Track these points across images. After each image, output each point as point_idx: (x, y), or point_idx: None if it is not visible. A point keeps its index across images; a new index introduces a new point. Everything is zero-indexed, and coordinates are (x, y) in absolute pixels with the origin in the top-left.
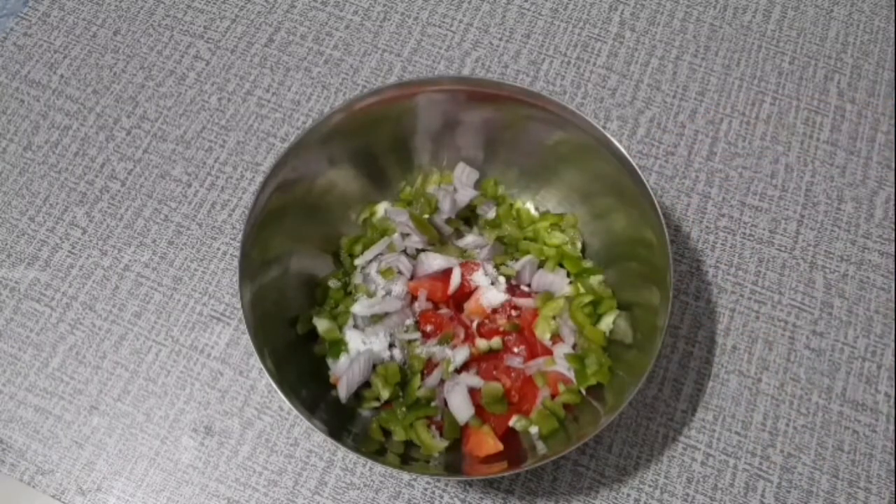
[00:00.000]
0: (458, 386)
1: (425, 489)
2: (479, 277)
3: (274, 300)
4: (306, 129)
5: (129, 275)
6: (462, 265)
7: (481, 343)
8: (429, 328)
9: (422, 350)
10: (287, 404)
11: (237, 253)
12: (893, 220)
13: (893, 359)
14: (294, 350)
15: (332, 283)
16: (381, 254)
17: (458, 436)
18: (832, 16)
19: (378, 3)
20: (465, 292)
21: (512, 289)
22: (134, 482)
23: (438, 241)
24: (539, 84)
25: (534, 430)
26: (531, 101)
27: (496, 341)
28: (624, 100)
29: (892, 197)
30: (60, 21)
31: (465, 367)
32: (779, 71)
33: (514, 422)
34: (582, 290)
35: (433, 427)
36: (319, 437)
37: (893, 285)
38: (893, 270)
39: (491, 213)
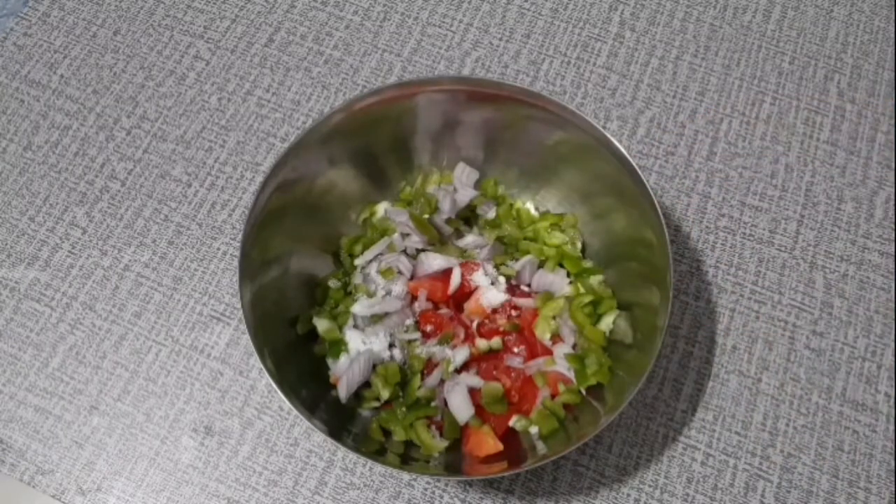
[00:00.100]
0: (458, 386)
1: (425, 489)
2: (479, 277)
3: (274, 300)
4: (306, 129)
5: (129, 275)
6: (462, 265)
7: (481, 343)
8: (429, 328)
9: (422, 350)
10: (287, 404)
11: (237, 253)
12: (893, 220)
13: (893, 359)
14: (294, 350)
15: (332, 283)
16: (381, 254)
17: (458, 436)
18: (832, 16)
19: (378, 3)
20: (465, 292)
21: (512, 289)
22: (134, 482)
23: (438, 241)
24: (539, 84)
25: (534, 430)
26: (531, 101)
27: (496, 341)
28: (624, 100)
29: (892, 197)
30: (60, 21)
31: (465, 367)
32: (779, 71)
33: (514, 422)
34: (582, 290)
35: (433, 427)
36: (319, 437)
37: (893, 285)
38: (893, 270)
39: (491, 213)
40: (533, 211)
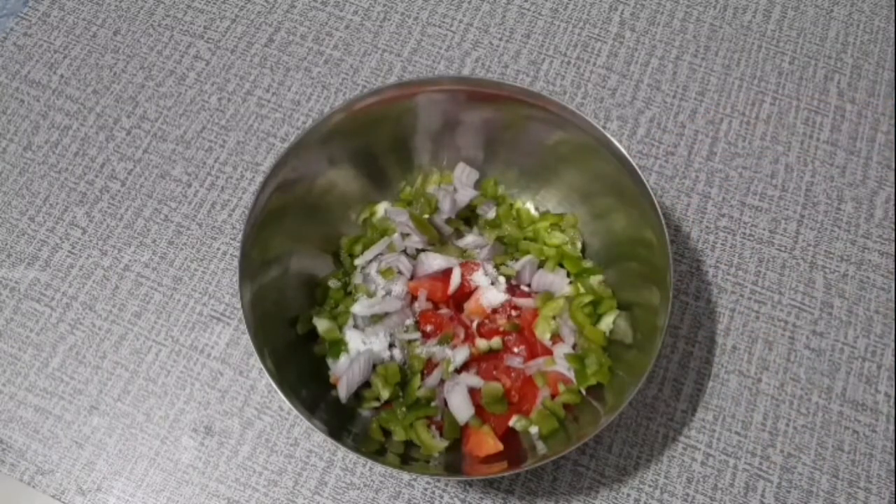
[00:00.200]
0: (458, 386)
1: (425, 489)
2: (479, 277)
3: (274, 300)
4: (306, 129)
5: (129, 275)
6: (462, 265)
7: (481, 343)
8: (429, 328)
9: (422, 350)
10: (287, 404)
11: (237, 253)
12: (893, 220)
13: (893, 359)
14: (294, 350)
15: (332, 283)
16: (381, 254)
17: (458, 436)
18: (832, 16)
19: (378, 3)
20: (465, 292)
21: (512, 289)
22: (134, 482)
23: (438, 241)
24: (539, 84)
25: (534, 430)
26: (531, 101)
27: (496, 341)
28: (624, 100)
29: (892, 197)
30: (60, 21)
31: (465, 367)
32: (779, 71)
33: (514, 422)
34: (582, 290)
35: (433, 427)
36: (319, 437)
37: (893, 285)
38: (893, 270)
39: (491, 213)
40: (533, 211)
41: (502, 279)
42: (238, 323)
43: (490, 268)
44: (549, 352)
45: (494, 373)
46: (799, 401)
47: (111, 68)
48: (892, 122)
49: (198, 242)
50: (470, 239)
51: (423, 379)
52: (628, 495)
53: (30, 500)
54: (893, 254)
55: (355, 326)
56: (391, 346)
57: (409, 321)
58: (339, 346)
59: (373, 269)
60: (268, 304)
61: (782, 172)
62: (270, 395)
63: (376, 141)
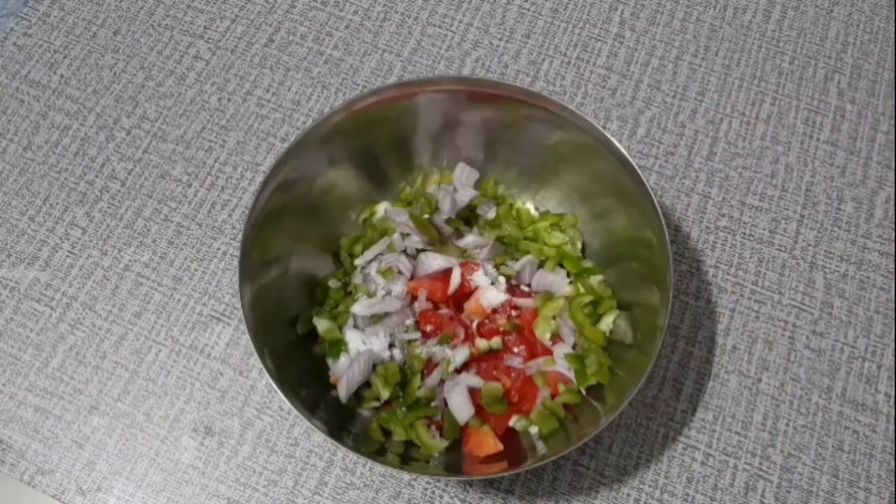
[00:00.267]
0: (458, 386)
1: (425, 489)
2: (479, 277)
3: (274, 300)
4: (306, 129)
5: (129, 275)
6: (462, 265)
7: (481, 343)
8: (429, 328)
9: (422, 350)
10: (287, 404)
11: (237, 253)
12: (893, 220)
13: (893, 359)
14: (294, 350)
15: (332, 283)
16: (381, 254)
17: (458, 436)
18: (832, 16)
19: (378, 3)
20: (465, 292)
21: (512, 289)
22: (134, 482)
23: (438, 241)
24: (539, 84)
25: (534, 430)
26: (531, 101)
27: (496, 341)
28: (624, 100)
29: (892, 197)
30: (60, 21)
31: (465, 367)
32: (779, 71)
33: (514, 422)
34: (582, 290)
35: (433, 427)
36: (319, 437)
37: (893, 285)
38: (893, 270)
39: (491, 213)
40: (533, 211)
41: (502, 279)
42: (238, 323)
43: (490, 268)
44: (549, 352)
45: (494, 373)
46: (799, 401)
47: (111, 68)
48: (892, 122)
49: (198, 242)
50: (470, 239)
51: (423, 379)
52: (628, 495)
53: (30, 500)
54: (893, 254)
55: (355, 326)
56: (391, 346)
57: (409, 321)
58: (339, 346)
59: (373, 269)
60: (268, 304)
61: (782, 172)
62: (270, 395)
63: (376, 141)
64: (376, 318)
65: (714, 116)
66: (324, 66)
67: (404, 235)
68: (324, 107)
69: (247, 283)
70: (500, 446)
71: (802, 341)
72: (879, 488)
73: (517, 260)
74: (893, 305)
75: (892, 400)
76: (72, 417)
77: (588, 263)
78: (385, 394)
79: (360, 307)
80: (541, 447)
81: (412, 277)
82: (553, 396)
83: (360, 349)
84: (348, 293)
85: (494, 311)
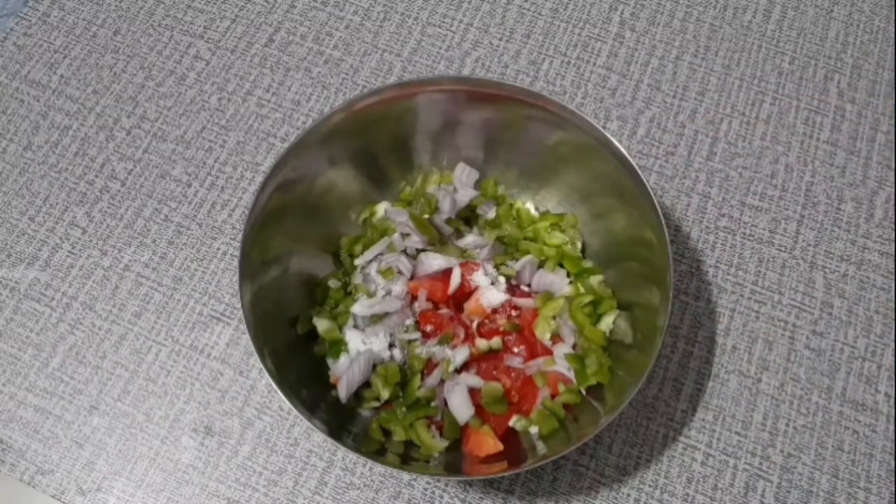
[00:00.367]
0: (458, 386)
1: (425, 489)
2: (479, 277)
3: (274, 300)
4: (306, 129)
5: (129, 275)
6: (462, 265)
7: (481, 343)
8: (429, 328)
9: (422, 350)
10: (287, 404)
11: (237, 253)
12: (893, 220)
13: (893, 359)
14: (294, 350)
15: (332, 283)
16: (381, 254)
17: (458, 436)
18: (832, 16)
19: (378, 3)
20: (465, 292)
21: (512, 289)
22: (134, 482)
23: (438, 241)
24: (539, 84)
25: (534, 430)
26: (531, 101)
27: (496, 341)
28: (624, 100)
29: (892, 197)
30: (60, 21)
31: (465, 367)
32: (779, 71)
33: (514, 422)
34: (582, 290)
35: (433, 427)
36: (319, 437)
37: (893, 285)
38: (893, 270)
39: (491, 213)
40: (533, 211)
41: (502, 279)
42: (238, 323)
43: (490, 268)
44: (549, 352)
45: (494, 373)
46: (799, 401)
47: (111, 68)
48: (892, 122)
49: (198, 242)
50: (470, 239)
51: (423, 379)
52: (628, 495)
53: (30, 500)
54: (893, 254)
55: (355, 326)
56: (391, 346)
57: (409, 321)
58: (339, 346)
59: (373, 269)
60: (268, 304)
61: (782, 172)
62: (270, 395)
63: (376, 141)
64: (376, 318)
65: (714, 116)
66: (324, 66)
67: (404, 235)
68: (324, 107)
69: (247, 283)
70: (500, 446)
71: (802, 341)
72: (879, 488)
73: (517, 260)
74: (893, 305)
75: (892, 400)
76: (72, 417)
77: (588, 263)
78: (385, 394)
79: (360, 307)
80: (541, 447)
81: (412, 277)
82: (553, 396)
83: (360, 349)
84: (348, 293)
85: (494, 311)
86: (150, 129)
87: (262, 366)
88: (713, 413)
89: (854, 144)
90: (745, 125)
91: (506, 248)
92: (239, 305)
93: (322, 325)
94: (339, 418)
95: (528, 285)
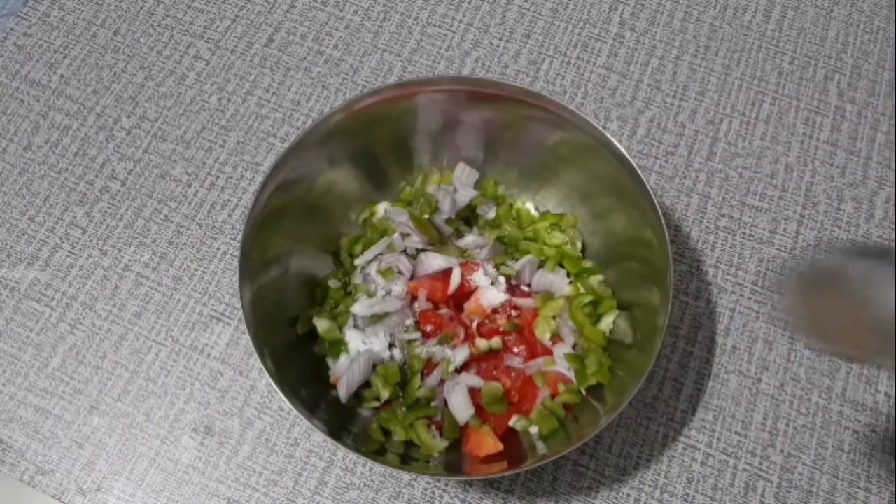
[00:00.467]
0: (458, 386)
1: (425, 489)
2: (479, 277)
3: (274, 300)
4: (306, 129)
5: (129, 275)
6: (462, 265)
7: (481, 343)
8: (429, 328)
9: (422, 350)
10: (287, 404)
11: (237, 253)
12: (893, 220)
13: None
14: (294, 350)
15: (332, 283)
16: (381, 254)
17: (458, 436)
18: (832, 16)
19: (378, 3)
20: (465, 292)
21: (512, 289)
22: (134, 482)
23: (438, 241)
24: (539, 84)
25: (534, 430)
26: (531, 101)
27: (496, 341)
28: (624, 100)
29: (892, 197)
30: (60, 21)
31: (465, 367)
32: (779, 71)
33: (514, 422)
34: (582, 290)
35: (433, 427)
36: (319, 437)
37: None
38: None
39: (491, 213)
40: (533, 211)
41: (502, 279)
42: (238, 323)
43: (490, 268)
44: (549, 352)
45: (494, 373)
46: (799, 401)
47: (111, 68)
48: (892, 122)
49: (198, 242)
50: (470, 239)
51: (423, 379)
52: (628, 495)
53: (30, 500)
54: None
55: (355, 326)
56: (391, 346)
57: (409, 321)
58: (339, 346)
59: (373, 269)
60: (268, 304)
61: (782, 172)
62: (270, 395)
63: (376, 141)
64: (376, 318)
65: (714, 116)
66: (324, 66)
67: (404, 235)
68: (324, 107)
69: (247, 283)
70: (500, 446)
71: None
72: (879, 488)
73: (517, 260)
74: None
75: (892, 400)
76: (72, 417)
77: (588, 263)
78: (385, 394)
79: (360, 307)
80: (541, 447)
81: (412, 277)
82: (553, 396)
83: (360, 349)
84: (348, 293)
85: (494, 311)
86: (150, 129)
87: (262, 366)
88: (713, 413)
89: (854, 144)
90: (745, 125)
91: (506, 248)
92: (239, 305)
93: (322, 325)
94: (339, 418)
95: (528, 285)
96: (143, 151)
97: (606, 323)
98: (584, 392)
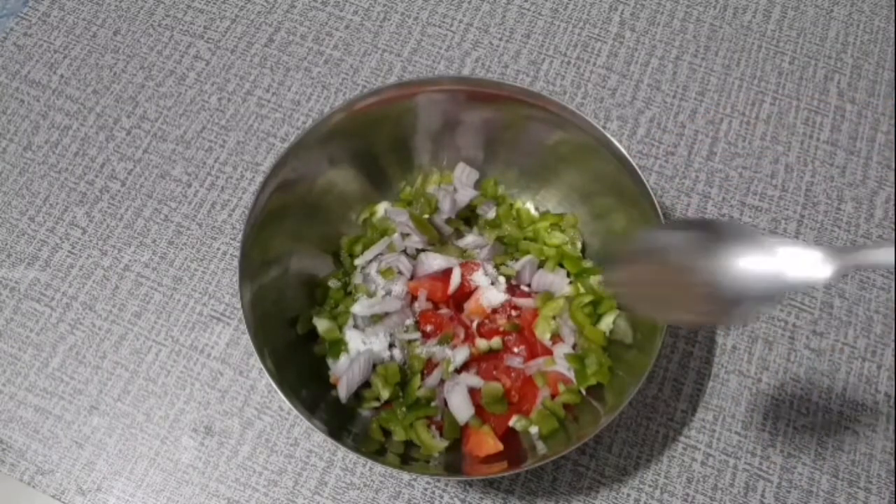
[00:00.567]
0: (458, 386)
1: (425, 489)
2: (479, 277)
3: (274, 300)
4: (306, 129)
5: (129, 275)
6: (462, 265)
7: (481, 343)
8: (429, 328)
9: (422, 350)
10: (287, 404)
11: (237, 253)
12: (893, 220)
13: (893, 359)
14: (294, 350)
15: (332, 283)
16: (381, 254)
17: (458, 436)
18: (832, 16)
19: (378, 3)
20: (465, 292)
21: (512, 289)
22: (134, 482)
23: (438, 241)
24: (539, 84)
25: (534, 430)
26: (531, 101)
27: (496, 341)
28: (624, 100)
29: (892, 197)
30: (60, 21)
31: (465, 367)
32: (779, 71)
33: (514, 422)
34: (582, 290)
35: (433, 427)
36: (319, 437)
37: (893, 285)
38: (893, 270)
39: (491, 213)
40: (533, 211)
41: (502, 279)
42: (238, 323)
43: (490, 268)
44: (549, 352)
45: (494, 373)
46: (799, 401)
47: (111, 68)
48: (892, 122)
49: (198, 242)
50: (470, 239)
51: (423, 379)
52: (628, 495)
53: (30, 500)
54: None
55: (355, 326)
56: (391, 346)
57: (409, 321)
58: (339, 346)
59: (373, 269)
60: (268, 304)
61: (782, 172)
62: (270, 395)
63: (376, 141)
64: (376, 318)
65: (714, 116)
66: (324, 66)
67: (404, 235)
68: (324, 107)
69: (247, 283)
70: (500, 446)
71: (802, 341)
72: (879, 488)
73: (517, 260)
74: (893, 305)
75: (892, 400)
76: (72, 417)
77: (588, 263)
78: (385, 394)
79: (360, 307)
80: (541, 447)
81: (412, 277)
82: (553, 396)
83: (360, 349)
84: (348, 293)
85: (494, 311)
86: (150, 129)
87: (262, 366)
88: (713, 413)
89: (854, 144)
90: (745, 125)
91: (506, 248)
92: (239, 305)
93: (322, 325)
94: (339, 418)
95: (528, 285)
96: (143, 151)
97: (606, 323)
98: (584, 392)
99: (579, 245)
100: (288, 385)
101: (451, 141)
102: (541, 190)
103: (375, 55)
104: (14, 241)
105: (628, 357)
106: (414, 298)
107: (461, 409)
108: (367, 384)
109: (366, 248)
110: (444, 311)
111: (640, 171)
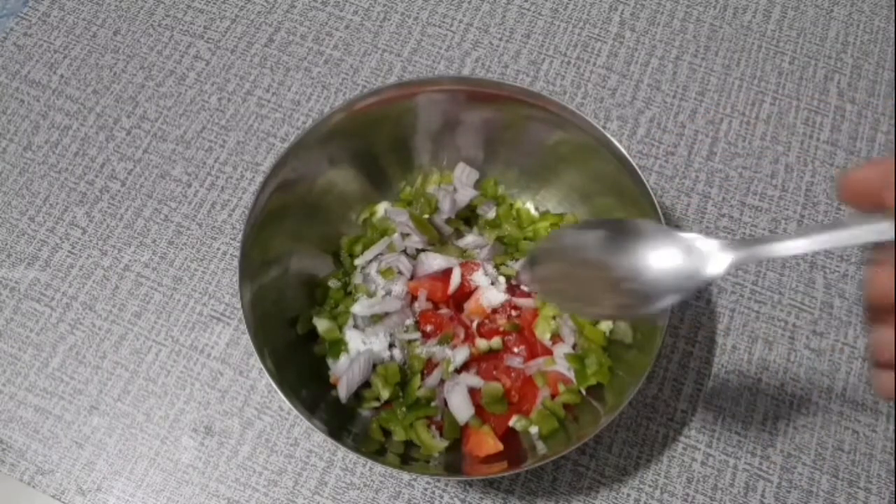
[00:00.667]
0: (458, 386)
1: (425, 489)
2: (479, 277)
3: (274, 300)
4: (306, 129)
5: (129, 275)
6: (462, 265)
7: (481, 343)
8: (429, 328)
9: (422, 350)
10: (287, 404)
11: (237, 253)
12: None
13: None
14: (294, 350)
15: (332, 283)
16: (381, 254)
17: (458, 436)
18: (832, 16)
19: (378, 3)
20: (465, 292)
21: (512, 289)
22: (134, 482)
23: (438, 241)
24: (539, 84)
25: (534, 430)
26: (531, 101)
27: (496, 341)
28: (624, 100)
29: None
30: (60, 21)
31: (465, 367)
32: (779, 71)
33: (514, 422)
34: None
35: (433, 427)
36: (319, 437)
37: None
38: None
39: (491, 213)
40: (533, 211)
41: (502, 279)
42: (238, 323)
43: (490, 268)
44: (549, 352)
45: (494, 373)
46: (799, 401)
47: (111, 68)
48: (892, 122)
49: (198, 242)
50: (470, 239)
51: (423, 379)
52: (628, 495)
53: (30, 500)
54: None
55: (355, 326)
56: (391, 346)
57: (409, 321)
58: (339, 346)
59: (373, 269)
60: (268, 304)
61: (782, 172)
62: (270, 395)
63: (376, 141)
64: (376, 318)
65: (714, 116)
66: (324, 66)
67: (404, 235)
68: (324, 107)
69: (247, 283)
70: (500, 446)
71: (802, 341)
72: (879, 488)
73: (517, 260)
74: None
75: (893, 400)
76: (72, 417)
77: None
78: (385, 394)
79: (360, 307)
80: (541, 447)
81: (412, 277)
82: (553, 396)
83: (360, 349)
84: (348, 293)
85: (494, 311)
86: (150, 129)
87: (262, 366)
88: (713, 413)
89: (854, 144)
90: (745, 125)
91: (506, 248)
92: (239, 305)
93: (322, 325)
94: (339, 418)
95: None
96: (143, 151)
97: (606, 323)
98: (584, 392)
99: None
100: (288, 385)
101: (451, 141)
102: (541, 190)
103: (375, 55)
104: (14, 241)
105: (628, 357)
106: (414, 298)
107: (461, 409)
108: (367, 384)
109: (366, 248)
110: (444, 311)
111: (640, 171)
